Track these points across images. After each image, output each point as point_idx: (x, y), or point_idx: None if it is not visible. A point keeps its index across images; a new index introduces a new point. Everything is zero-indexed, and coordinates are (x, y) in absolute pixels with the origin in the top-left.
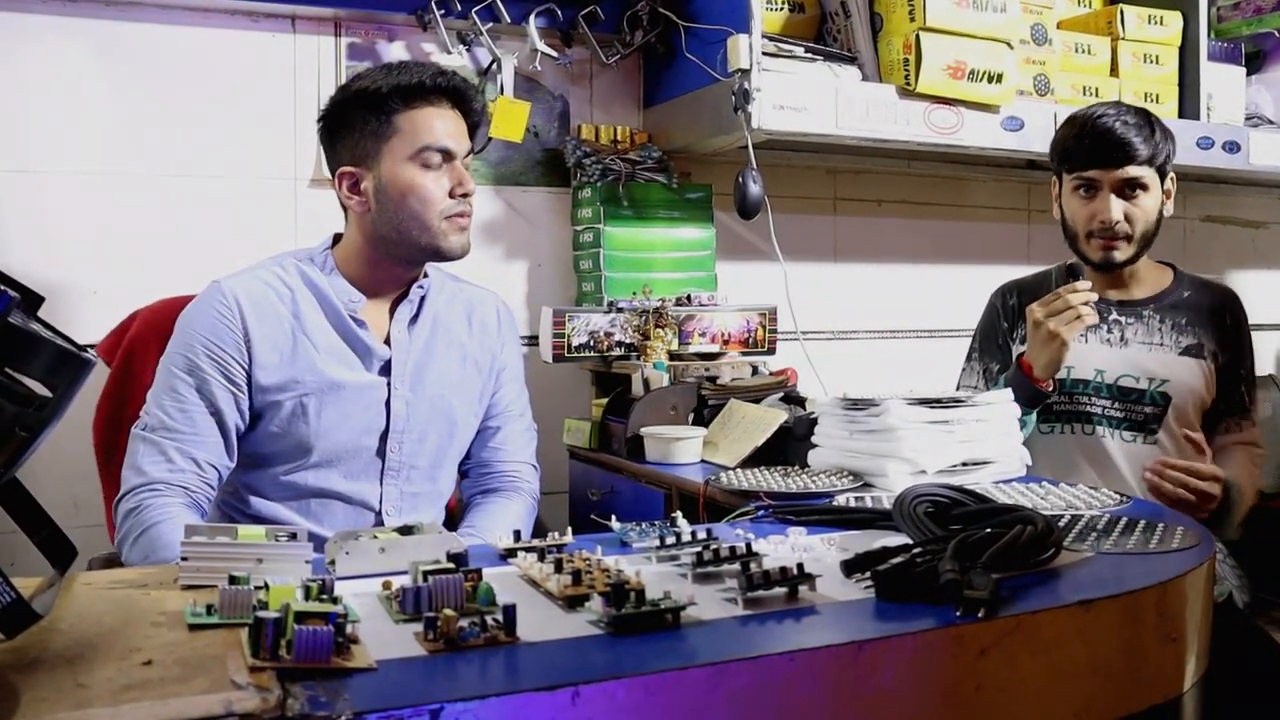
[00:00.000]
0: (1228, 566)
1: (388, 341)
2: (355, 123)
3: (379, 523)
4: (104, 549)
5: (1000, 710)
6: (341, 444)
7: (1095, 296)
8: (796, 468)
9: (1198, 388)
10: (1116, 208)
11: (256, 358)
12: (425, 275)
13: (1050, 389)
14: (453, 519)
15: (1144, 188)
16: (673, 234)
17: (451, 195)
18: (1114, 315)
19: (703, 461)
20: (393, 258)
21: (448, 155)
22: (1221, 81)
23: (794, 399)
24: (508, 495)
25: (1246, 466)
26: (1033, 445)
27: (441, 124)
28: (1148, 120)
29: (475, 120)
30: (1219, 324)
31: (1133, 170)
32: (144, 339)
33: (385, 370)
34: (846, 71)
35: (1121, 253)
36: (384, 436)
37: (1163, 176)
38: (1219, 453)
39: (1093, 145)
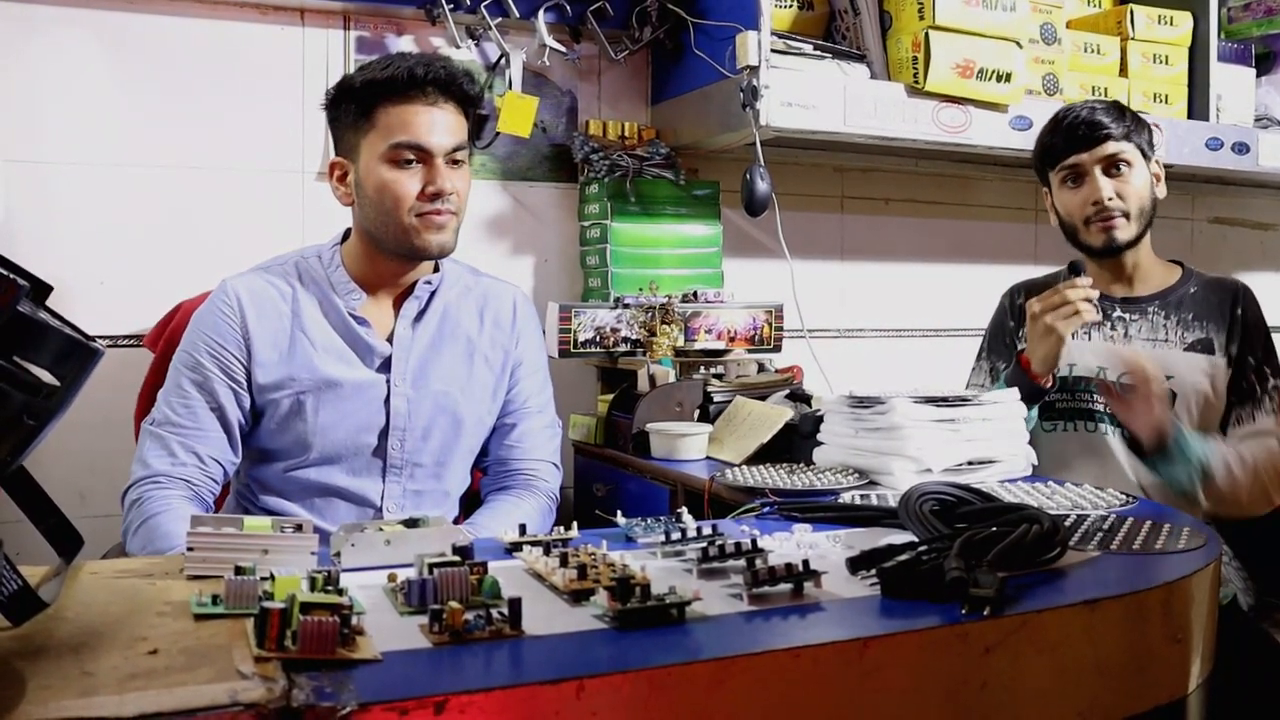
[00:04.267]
0: (1232, 569)
1: (391, 339)
2: (342, 115)
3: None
4: (115, 539)
5: (1005, 709)
6: (340, 441)
7: (1096, 293)
8: (802, 465)
9: (1203, 384)
10: (1106, 185)
11: (255, 355)
12: (436, 270)
13: (1049, 385)
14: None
15: (1128, 163)
16: (680, 230)
17: (425, 194)
18: (1118, 313)
19: (708, 458)
20: (382, 253)
21: (424, 152)
22: (1231, 82)
23: (800, 396)
24: (519, 494)
25: (1245, 449)
26: (1037, 443)
27: (423, 119)
28: (1116, 105)
29: (472, 110)
30: (1229, 316)
31: (1111, 146)
32: (183, 331)
33: (386, 368)
34: (855, 69)
35: (1122, 231)
36: (384, 434)
37: (1146, 157)
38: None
39: (1068, 133)
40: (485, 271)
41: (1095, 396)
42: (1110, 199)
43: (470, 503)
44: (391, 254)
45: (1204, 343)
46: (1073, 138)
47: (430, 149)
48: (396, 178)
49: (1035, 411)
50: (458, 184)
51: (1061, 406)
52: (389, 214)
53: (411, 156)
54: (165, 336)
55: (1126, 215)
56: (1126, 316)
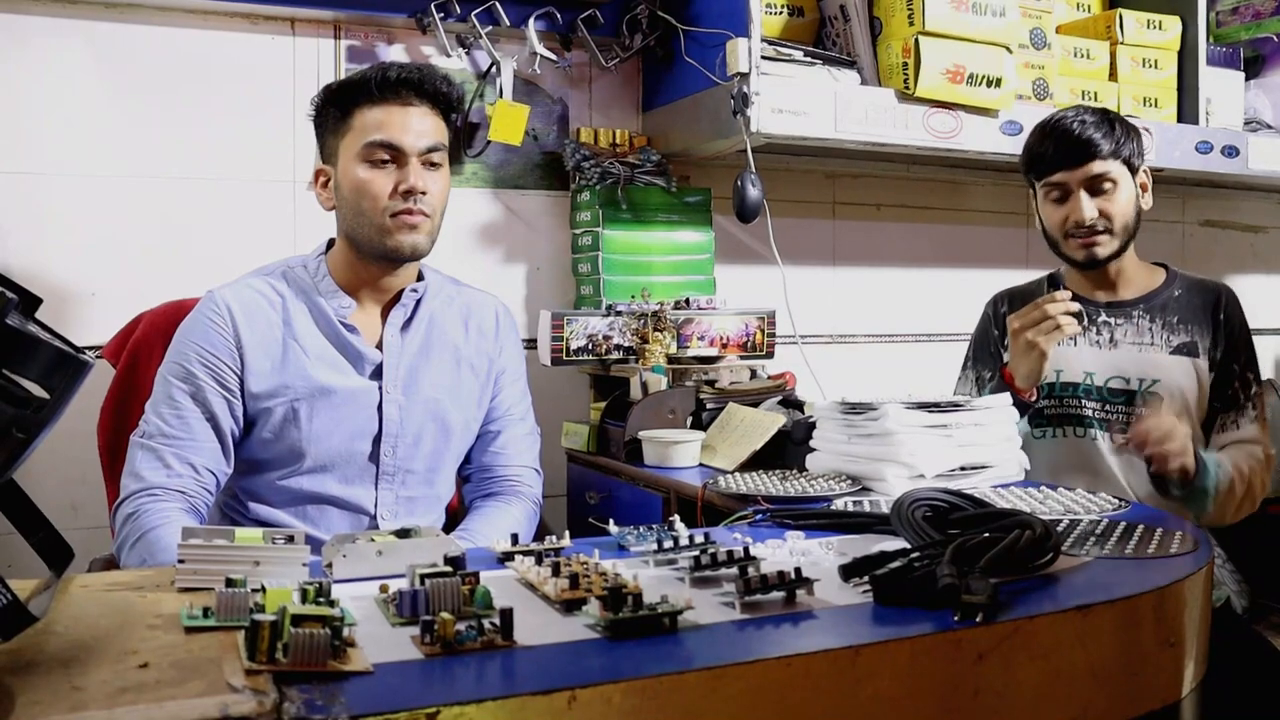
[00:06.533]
0: (1226, 571)
1: (380, 346)
2: (324, 121)
3: (374, 527)
4: (105, 550)
5: (998, 715)
6: (334, 449)
7: (1076, 306)
8: (795, 471)
9: (1189, 387)
10: (1088, 206)
11: (248, 364)
12: (421, 279)
13: (1033, 398)
14: (454, 522)
15: (1113, 182)
16: (671, 237)
17: (397, 193)
18: (1103, 317)
19: (701, 465)
20: (363, 257)
21: (397, 151)
22: (1220, 86)
23: (792, 403)
24: (507, 500)
25: (1240, 459)
26: (1027, 450)
27: (396, 118)
28: (1106, 117)
29: (451, 112)
30: (1212, 319)
31: (1098, 166)
32: (149, 342)
33: (377, 375)
34: (845, 75)
35: (1103, 248)
36: (377, 441)
37: (1133, 170)
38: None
39: (1055, 149)
40: (466, 282)
41: (1083, 401)
42: (1092, 219)
43: (450, 516)
44: (369, 256)
45: (1189, 346)
46: (1058, 154)
47: (403, 148)
48: (371, 177)
49: (1025, 422)
50: (432, 185)
51: (1050, 413)
52: (364, 214)
53: (385, 156)
54: (129, 348)
55: (1109, 233)
56: (1112, 321)
